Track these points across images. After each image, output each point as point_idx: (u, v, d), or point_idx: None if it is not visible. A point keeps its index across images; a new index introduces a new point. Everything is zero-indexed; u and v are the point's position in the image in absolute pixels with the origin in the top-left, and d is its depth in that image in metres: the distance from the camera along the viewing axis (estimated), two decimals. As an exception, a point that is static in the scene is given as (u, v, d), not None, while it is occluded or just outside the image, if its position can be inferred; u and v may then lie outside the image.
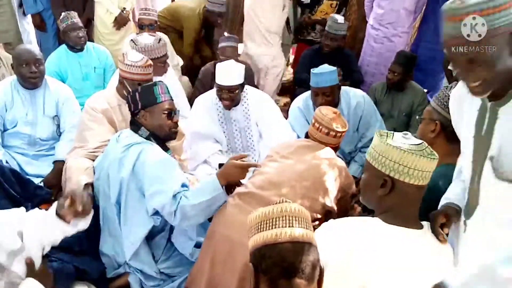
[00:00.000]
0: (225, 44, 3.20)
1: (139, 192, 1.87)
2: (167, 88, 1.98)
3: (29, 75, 2.47)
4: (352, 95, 2.81)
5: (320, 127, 2.03)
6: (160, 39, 2.73)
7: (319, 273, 1.03)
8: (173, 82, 3.16)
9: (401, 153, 1.21)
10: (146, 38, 2.71)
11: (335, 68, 2.68)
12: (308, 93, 2.87)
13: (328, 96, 2.64)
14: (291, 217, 1.04)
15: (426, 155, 1.21)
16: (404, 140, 1.26)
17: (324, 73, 2.61)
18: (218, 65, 2.58)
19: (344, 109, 2.78)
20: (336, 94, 2.72)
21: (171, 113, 1.94)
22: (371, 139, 2.80)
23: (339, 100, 2.78)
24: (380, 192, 1.25)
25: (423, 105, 3.16)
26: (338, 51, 3.58)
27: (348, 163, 2.89)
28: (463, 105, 1.28)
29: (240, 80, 2.55)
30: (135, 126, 1.93)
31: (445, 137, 1.60)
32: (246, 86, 2.74)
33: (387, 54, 3.59)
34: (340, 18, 3.54)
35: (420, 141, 1.28)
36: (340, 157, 2.80)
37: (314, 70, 2.68)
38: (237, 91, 2.55)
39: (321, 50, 3.60)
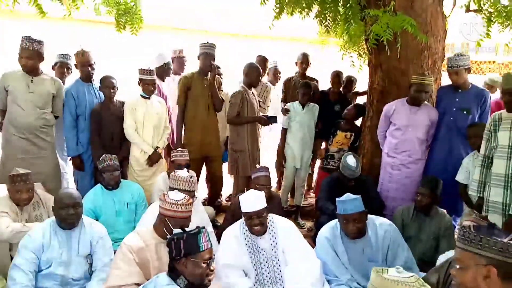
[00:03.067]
0: (259, 174, 3.37)
1: None
2: (209, 235, 1.99)
3: (67, 217, 2.54)
4: (378, 225, 2.79)
5: None
6: (192, 176, 2.95)
7: None
8: (201, 213, 3.23)
9: (390, 282, 1.36)
10: (183, 172, 3.05)
11: (359, 196, 2.74)
12: (334, 222, 2.86)
13: (359, 223, 2.69)
14: None
15: (416, 285, 1.36)
16: (396, 273, 1.40)
17: (351, 200, 2.69)
18: (241, 196, 2.70)
19: (372, 238, 2.74)
20: (364, 221, 2.74)
21: (211, 261, 1.93)
22: (404, 269, 2.71)
23: (366, 229, 2.75)
24: None
25: (450, 229, 3.11)
26: (356, 178, 3.67)
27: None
28: None
29: (264, 204, 2.66)
30: (174, 273, 1.88)
31: (501, 279, 1.43)
32: (271, 215, 2.79)
33: (405, 180, 3.64)
34: (352, 162, 3.59)
35: (412, 274, 1.43)
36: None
37: (340, 198, 2.74)
38: (264, 215, 2.65)
39: (341, 180, 3.68)
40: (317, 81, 4.98)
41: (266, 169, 3.47)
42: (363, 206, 2.71)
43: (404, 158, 3.66)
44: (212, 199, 4.40)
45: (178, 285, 1.85)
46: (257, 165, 3.59)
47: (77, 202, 2.58)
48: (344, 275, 2.72)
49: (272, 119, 4.17)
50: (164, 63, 4.46)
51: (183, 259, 1.86)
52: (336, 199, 2.77)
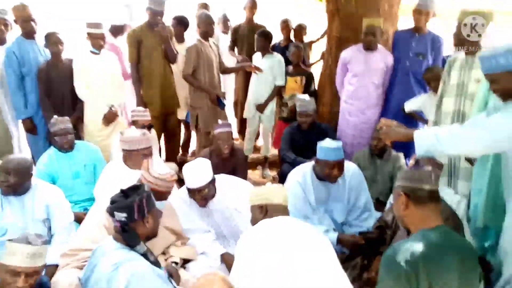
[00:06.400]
0: (221, 130, 3.25)
1: None
2: None
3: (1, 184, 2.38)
4: (346, 167, 2.80)
5: None
6: (144, 133, 2.76)
7: None
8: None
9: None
10: (132, 131, 2.80)
11: (340, 142, 2.73)
12: (306, 166, 2.83)
13: (340, 169, 2.67)
14: None
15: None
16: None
17: (336, 147, 2.64)
18: (185, 169, 2.50)
19: (339, 180, 2.76)
20: (343, 168, 2.73)
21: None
22: (362, 212, 2.79)
23: None
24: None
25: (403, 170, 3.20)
26: (315, 126, 3.66)
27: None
28: None
29: (210, 176, 2.49)
30: (129, 239, 1.76)
31: (414, 203, 1.62)
32: (222, 176, 2.65)
33: (363, 126, 3.67)
34: (306, 97, 3.68)
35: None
36: (335, 230, 2.74)
37: (328, 145, 2.64)
38: (206, 190, 2.49)
39: (300, 126, 3.67)
40: (264, 27, 4.77)
41: (228, 124, 3.36)
42: (343, 154, 2.69)
43: (361, 104, 3.67)
44: (171, 155, 4.29)
45: (137, 252, 1.76)
46: (218, 120, 3.47)
47: (13, 169, 2.36)
48: (313, 215, 2.74)
49: (221, 104, 4.05)
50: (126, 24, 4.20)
51: (146, 217, 1.80)
52: (320, 144, 2.68)
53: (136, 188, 1.83)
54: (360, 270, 2.38)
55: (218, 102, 3.98)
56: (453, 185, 2.74)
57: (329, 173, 2.67)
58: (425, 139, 1.77)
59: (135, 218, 1.76)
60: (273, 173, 4.58)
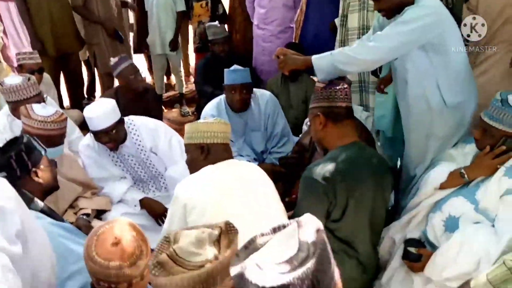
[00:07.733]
0: (122, 65, 2.89)
1: None
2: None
3: None
4: (259, 96, 2.75)
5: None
6: (29, 78, 2.36)
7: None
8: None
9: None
10: (13, 79, 2.35)
11: (247, 68, 2.65)
12: (218, 99, 2.75)
13: (246, 94, 2.61)
14: None
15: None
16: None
17: (240, 70, 2.57)
18: (87, 110, 2.20)
19: (255, 109, 2.72)
20: (251, 93, 2.67)
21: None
22: (280, 138, 2.79)
23: (250, 102, 2.71)
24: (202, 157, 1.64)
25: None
26: (230, 55, 3.51)
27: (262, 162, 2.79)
28: None
29: (116, 116, 2.22)
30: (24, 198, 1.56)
31: (332, 122, 1.63)
32: (132, 117, 2.42)
33: (278, 51, 3.55)
34: (214, 24, 3.52)
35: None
36: (256, 159, 2.73)
37: (233, 68, 2.58)
38: (114, 131, 2.21)
39: (214, 57, 3.48)
40: None
41: (125, 58, 2.99)
42: (250, 78, 2.62)
43: (274, 28, 3.53)
44: (76, 100, 3.89)
45: (33, 210, 1.55)
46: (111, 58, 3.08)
47: None
48: (232, 147, 2.67)
49: (119, 37, 3.65)
50: None
51: (33, 170, 1.58)
52: (225, 70, 2.61)
53: (12, 142, 1.59)
54: (281, 195, 2.41)
55: (115, 35, 3.58)
56: (365, 100, 2.82)
57: (236, 97, 2.59)
58: (323, 63, 1.75)
59: (18, 175, 1.53)
60: (191, 109, 4.40)
